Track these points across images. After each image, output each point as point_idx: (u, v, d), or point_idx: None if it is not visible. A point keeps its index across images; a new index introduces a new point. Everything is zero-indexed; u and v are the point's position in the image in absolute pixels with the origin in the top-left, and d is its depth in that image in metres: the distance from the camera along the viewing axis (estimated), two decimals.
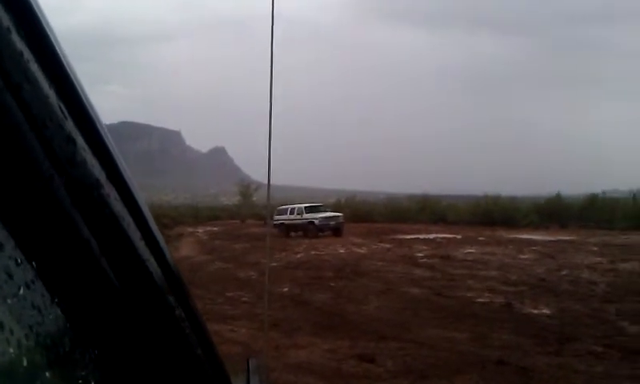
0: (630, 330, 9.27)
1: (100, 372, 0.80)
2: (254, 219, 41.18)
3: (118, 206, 0.75)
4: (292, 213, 34.56)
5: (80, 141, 0.69)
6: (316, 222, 32.38)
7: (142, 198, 0.81)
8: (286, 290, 13.36)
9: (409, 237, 27.33)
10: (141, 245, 0.79)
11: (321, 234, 31.24)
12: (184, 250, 23.00)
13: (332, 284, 14.30)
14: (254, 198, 49.40)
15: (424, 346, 8.38)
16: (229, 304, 12.01)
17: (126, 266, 0.78)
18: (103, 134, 0.72)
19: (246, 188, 49.89)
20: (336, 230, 32.00)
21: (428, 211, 41.74)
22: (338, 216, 33.56)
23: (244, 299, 12.53)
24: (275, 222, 34.28)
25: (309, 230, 32.15)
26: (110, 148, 0.74)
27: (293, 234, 33.10)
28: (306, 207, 34.52)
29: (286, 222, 34.19)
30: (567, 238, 26.93)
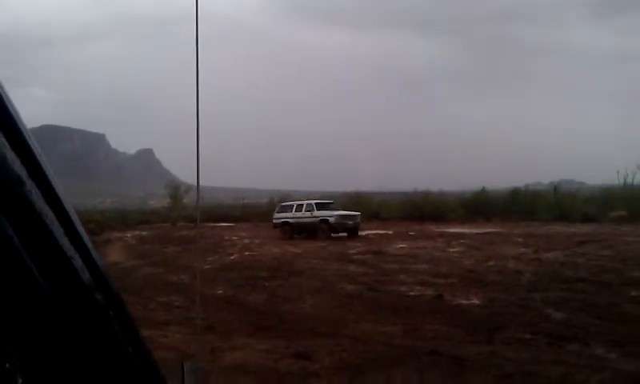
0: (555, 317, 9.70)
1: (28, 372, 0.77)
2: (185, 222, 40.39)
3: (41, 203, 0.73)
4: (299, 209, 29.50)
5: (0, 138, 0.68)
6: (331, 220, 27.59)
7: (65, 194, 0.79)
8: (220, 292, 13.17)
9: (342, 235, 27.52)
10: (65, 241, 0.77)
11: (334, 234, 27.20)
12: (112, 255, 22.24)
13: (266, 284, 14.22)
14: (185, 201, 48.43)
15: (360, 341, 8.46)
16: (161, 309, 11.72)
17: (50, 264, 0.76)
18: (24, 130, 0.72)
19: (176, 190, 48.82)
20: (352, 231, 27.73)
21: (361, 208, 42.23)
22: (356, 215, 29.02)
23: (177, 304, 12.25)
24: (276, 221, 30.32)
25: (321, 231, 27.49)
26: (31, 145, 0.73)
27: (296, 235, 28.71)
28: (317, 203, 29.58)
29: (291, 220, 29.35)
30: (493, 230, 27.95)
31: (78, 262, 0.80)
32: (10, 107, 0.70)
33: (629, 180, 35.59)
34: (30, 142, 0.73)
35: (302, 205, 29.68)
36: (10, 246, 0.70)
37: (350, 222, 27.98)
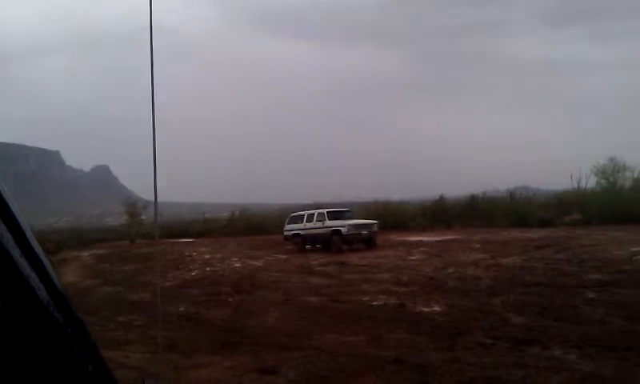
0: (515, 321, 9.91)
1: None
2: (144, 239, 39.70)
3: None
4: (310, 219, 27.45)
5: None
6: (343, 230, 25.40)
7: (21, 214, 0.79)
8: (182, 309, 13.00)
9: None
10: (22, 261, 0.77)
11: (346, 246, 25.13)
12: (69, 275, 21.70)
13: (230, 299, 14.11)
14: (143, 217, 47.57)
15: (324, 353, 8.47)
16: (121, 329, 11.49)
17: (7, 283, 0.76)
18: None
19: (133, 207, 47.93)
20: (368, 241, 25.70)
21: None
22: (372, 224, 26.99)
23: (137, 323, 12.03)
24: (287, 234, 28.51)
25: (332, 243, 25.47)
26: None
27: (310, 247, 27.15)
28: (329, 212, 27.26)
29: (303, 232, 27.43)
30: (452, 237, 28.36)
31: (35, 281, 0.79)
32: None
33: (582, 184, 36.59)
34: None
35: (313, 214, 27.65)
36: None
37: (365, 232, 25.98)
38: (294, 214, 29.65)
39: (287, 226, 28.88)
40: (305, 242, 27.37)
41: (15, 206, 0.77)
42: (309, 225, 27.39)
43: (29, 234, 0.79)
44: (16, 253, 0.76)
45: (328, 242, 25.90)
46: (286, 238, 28.61)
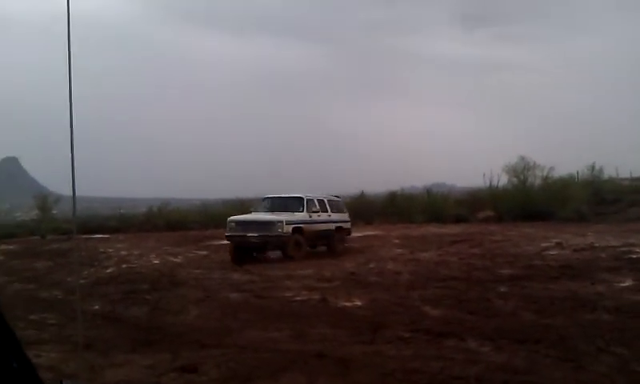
0: (432, 314, 10.21)
1: None
2: (56, 234, 37.95)
3: None
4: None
5: None
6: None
7: None
8: (97, 307, 12.51)
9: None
10: None
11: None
12: None
13: (148, 297, 13.70)
14: (55, 212, 45.52)
15: (247, 349, 8.39)
16: (33, 327, 10.89)
17: None
18: None
19: (44, 201, 45.78)
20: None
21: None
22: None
23: (51, 321, 11.47)
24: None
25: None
26: None
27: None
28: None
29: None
30: (372, 232, 28.94)
31: None
32: None
33: (494, 182, 38.18)
34: None
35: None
36: None
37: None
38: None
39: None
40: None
41: None
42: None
43: None
44: None
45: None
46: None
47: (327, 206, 21.91)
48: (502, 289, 12.19)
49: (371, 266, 16.77)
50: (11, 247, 31.85)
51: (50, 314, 12.31)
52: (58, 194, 50.06)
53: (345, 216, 23.37)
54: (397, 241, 23.82)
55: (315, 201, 21.40)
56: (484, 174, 38.38)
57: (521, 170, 36.74)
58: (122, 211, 52.91)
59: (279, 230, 19.06)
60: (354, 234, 27.17)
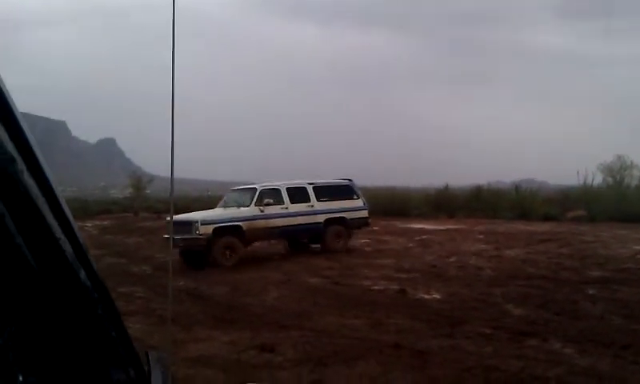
0: (514, 313, 9.88)
1: (18, 348, 0.79)
2: (147, 213, 39.79)
3: (31, 183, 0.74)
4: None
5: None
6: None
7: (53, 176, 0.79)
8: (181, 283, 13.04)
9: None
10: (54, 223, 0.77)
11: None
12: None
13: (229, 277, 14.12)
14: (148, 191, 47.81)
15: (323, 334, 8.47)
16: (123, 300, 11.50)
17: (40, 244, 0.76)
18: (15, 111, 0.73)
19: (139, 180, 48.17)
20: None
21: None
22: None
23: (138, 295, 12.08)
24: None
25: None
26: (23, 126, 0.74)
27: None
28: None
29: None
30: (455, 227, 28.31)
31: (65, 244, 0.79)
32: (1, 87, 0.71)
33: (588, 181, 36.34)
34: (22, 123, 0.73)
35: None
36: (3, 224, 0.70)
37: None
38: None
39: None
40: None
41: (46, 165, 0.77)
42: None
43: (60, 197, 0.79)
44: (50, 216, 0.77)
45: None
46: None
47: (310, 194, 18.13)
48: (591, 291, 11.60)
49: (452, 259, 16.44)
50: (105, 223, 33.71)
51: (138, 287, 12.96)
52: (151, 175, 52.52)
53: (352, 204, 19.29)
54: (481, 236, 23.20)
55: (284, 190, 17.77)
56: (578, 172, 36.62)
57: (617, 170, 34.81)
58: (209, 193, 54.70)
59: (196, 232, 15.96)
60: (435, 227, 26.74)
